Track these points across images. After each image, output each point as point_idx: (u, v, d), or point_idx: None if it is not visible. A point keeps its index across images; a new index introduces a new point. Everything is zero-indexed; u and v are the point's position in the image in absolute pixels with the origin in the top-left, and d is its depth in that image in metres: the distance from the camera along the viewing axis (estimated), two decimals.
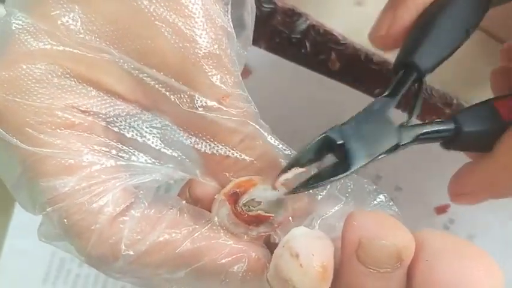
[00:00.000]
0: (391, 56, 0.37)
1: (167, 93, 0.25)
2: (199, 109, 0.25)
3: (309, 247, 0.24)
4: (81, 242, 0.24)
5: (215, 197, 0.27)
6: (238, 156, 0.26)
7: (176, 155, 0.26)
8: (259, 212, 0.26)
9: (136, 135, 0.26)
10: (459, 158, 0.34)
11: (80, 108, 0.24)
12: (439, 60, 0.29)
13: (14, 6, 0.24)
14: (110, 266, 0.25)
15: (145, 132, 0.26)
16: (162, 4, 0.24)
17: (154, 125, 0.26)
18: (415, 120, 0.29)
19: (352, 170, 0.25)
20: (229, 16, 0.26)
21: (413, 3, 0.30)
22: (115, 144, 0.25)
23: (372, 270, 0.23)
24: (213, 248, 0.25)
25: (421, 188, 0.37)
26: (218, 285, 0.26)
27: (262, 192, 0.26)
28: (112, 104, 0.25)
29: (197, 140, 0.26)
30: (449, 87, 0.45)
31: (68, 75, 0.24)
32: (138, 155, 0.26)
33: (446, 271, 0.22)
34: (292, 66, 0.44)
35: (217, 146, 0.26)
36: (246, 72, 0.44)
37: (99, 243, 0.24)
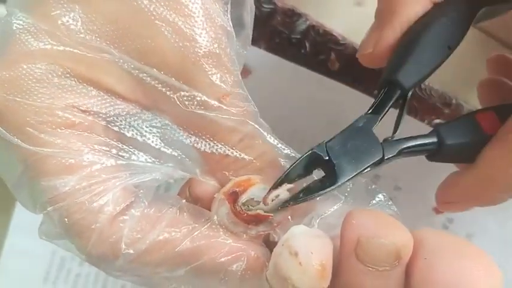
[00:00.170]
0: None
1: (167, 92, 0.25)
2: (199, 108, 0.25)
3: (308, 245, 0.24)
4: (82, 241, 0.24)
5: (215, 196, 0.27)
6: (237, 155, 0.26)
7: (176, 154, 0.26)
8: (258, 211, 0.26)
9: (137, 134, 0.26)
10: None
11: (80, 107, 0.25)
12: (422, 77, 0.30)
13: (14, 6, 0.24)
14: (110, 265, 0.25)
15: (146, 131, 0.26)
16: (162, 3, 0.24)
17: (154, 124, 0.26)
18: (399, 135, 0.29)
19: (339, 183, 0.26)
20: (229, 15, 0.26)
21: (398, 22, 0.31)
22: (115, 143, 0.25)
23: (370, 269, 0.23)
24: (212, 246, 0.25)
25: (420, 188, 0.37)
26: (217, 283, 0.26)
27: (262, 192, 0.26)
28: (112, 103, 0.25)
29: (197, 139, 0.26)
30: (448, 87, 0.46)
31: (68, 75, 0.24)
32: (138, 154, 0.26)
33: (445, 270, 0.23)
34: (292, 66, 0.44)
35: (217, 145, 0.26)
36: (245, 72, 0.44)
37: (100, 242, 0.24)
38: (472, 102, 0.44)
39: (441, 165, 0.33)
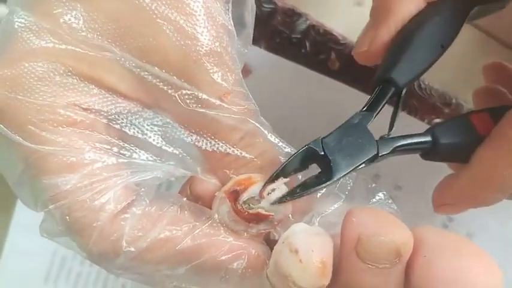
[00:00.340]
0: None
1: (168, 90, 0.25)
2: (200, 106, 0.25)
3: (308, 243, 0.24)
4: (83, 239, 0.24)
5: (215, 194, 0.27)
6: (238, 153, 0.26)
7: (177, 152, 0.26)
8: (259, 210, 0.26)
9: (138, 132, 0.26)
10: None
11: (82, 106, 0.25)
12: (416, 75, 0.31)
13: (16, 5, 0.25)
14: (111, 263, 0.25)
15: (147, 129, 0.26)
16: (164, 2, 0.24)
17: (156, 122, 0.26)
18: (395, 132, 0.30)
19: (335, 179, 0.26)
20: (230, 14, 0.26)
21: (393, 20, 0.31)
22: (116, 141, 0.26)
23: (370, 266, 0.23)
24: (213, 244, 0.25)
25: (421, 187, 0.37)
26: (218, 281, 0.26)
27: None
28: (113, 101, 0.25)
29: (198, 137, 0.26)
30: (449, 87, 0.46)
31: (69, 73, 0.24)
32: (140, 152, 0.26)
33: (445, 267, 0.23)
34: (292, 66, 0.44)
35: (218, 144, 0.26)
36: (246, 72, 0.44)
37: (101, 240, 0.24)
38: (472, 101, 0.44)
39: (442, 164, 0.33)
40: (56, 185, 0.24)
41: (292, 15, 0.45)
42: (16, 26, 0.24)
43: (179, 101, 0.25)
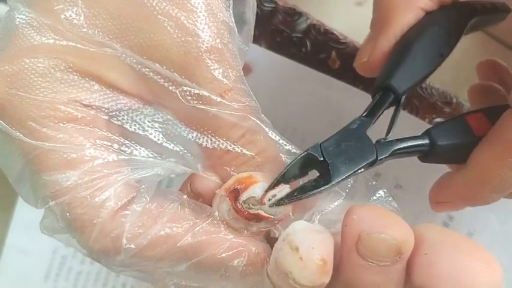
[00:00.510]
0: None
1: (169, 87, 0.25)
2: (201, 103, 0.25)
3: (309, 240, 0.24)
4: (83, 236, 0.24)
5: (216, 192, 0.27)
6: (239, 150, 0.26)
7: (178, 149, 0.26)
8: (259, 211, 0.26)
9: (139, 129, 0.26)
10: None
11: (83, 102, 0.25)
12: (415, 83, 0.31)
13: (17, 1, 0.24)
14: (112, 260, 0.25)
15: (148, 126, 0.26)
16: None
17: (156, 119, 0.26)
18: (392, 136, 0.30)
19: (333, 183, 0.26)
20: (231, 11, 0.26)
21: (392, 30, 0.32)
22: (117, 138, 0.26)
23: (371, 264, 0.23)
24: (213, 242, 0.25)
25: (421, 186, 0.37)
26: (218, 279, 0.26)
27: (263, 191, 0.26)
28: (114, 98, 0.25)
29: (199, 134, 0.26)
30: (449, 86, 0.46)
31: (70, 70, 0.24)
32: (140, 149, 0.26)
33: (446, 265, 0.23)
34: (293, 65, 0.44)
35: (219, 141, 0.26)
36: (246, 70, 0.44)
37: (101, 237, 0.24)
38: None
39: (442, 165, 0.33)
40: (56, 181, 0.24)
41: (293, 14, 0.45)
42: (17, 22, 0.24)
43: (180, 97, 0.25)
